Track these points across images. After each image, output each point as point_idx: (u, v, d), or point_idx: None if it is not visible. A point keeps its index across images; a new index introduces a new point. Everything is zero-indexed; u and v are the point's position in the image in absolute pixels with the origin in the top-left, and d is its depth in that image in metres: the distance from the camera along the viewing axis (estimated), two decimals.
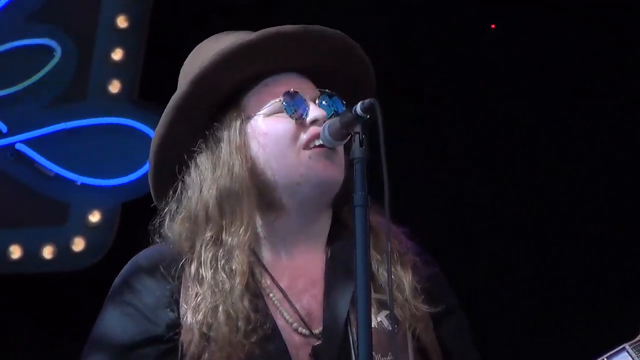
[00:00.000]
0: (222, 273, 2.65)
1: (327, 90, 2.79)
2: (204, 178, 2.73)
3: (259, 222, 2.74)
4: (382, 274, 2.71)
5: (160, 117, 2.80)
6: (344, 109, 2.75)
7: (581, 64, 5.59)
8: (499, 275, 5.60)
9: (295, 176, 2.70)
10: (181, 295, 2.67)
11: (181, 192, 2.77)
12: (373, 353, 2.41)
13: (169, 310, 2.67)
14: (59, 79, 5.66)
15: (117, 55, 5.68)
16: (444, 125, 5.79)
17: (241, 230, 2.67)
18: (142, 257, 2.78)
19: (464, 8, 5.71)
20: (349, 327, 2.65)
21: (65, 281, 5.45)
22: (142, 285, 2.71)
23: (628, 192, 5.57)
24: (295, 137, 2.71)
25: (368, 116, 2.51)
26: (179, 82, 2.87)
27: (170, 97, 2.80)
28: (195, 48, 2.90)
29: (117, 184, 5.59)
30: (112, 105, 5.67)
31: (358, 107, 2.52)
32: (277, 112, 2.74)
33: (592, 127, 5.62)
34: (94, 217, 5.60)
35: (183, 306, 2.65)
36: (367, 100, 2.51)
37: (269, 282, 2.71)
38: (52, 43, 5.66)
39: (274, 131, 2.72)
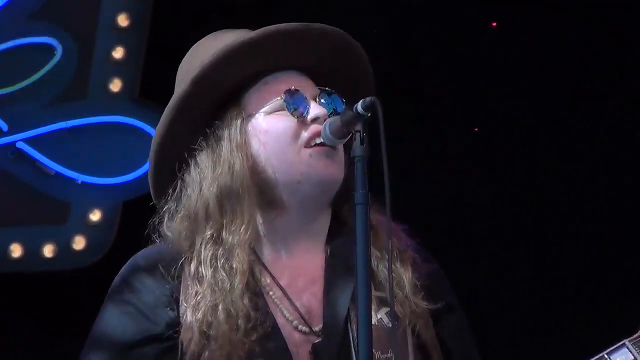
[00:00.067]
0: (222, 272, 2.65)
1: (326, 89, 2.79)
2: (204, 176, 2.73)
3: (259, 220, 2.74)
4: (381, 271, 2.72)
5: (160, 115, 2.79)
6: (344, 106, 2.76)
7: (581, 64, 5.59)
8: (498, 275, 5.61)
9: (296, 174, 2.70)
10: (181, 294, 2.68)
11: (181, 191, 2.77)
12: (373, 350, 2.41)
13: (168, 309, 2.67)
14: (60, 78, 5.65)
15: (118, 53, 5.67)
16: (444, 125, 5.79)
17: (242, 229, 2.67)
18: (140, 256, 2.78)
19: (464, 8, 5.71)
20: (349, 324, 2.66)
21: (65, 280, 5.45)
22: (142, 284, 2.71)
23: (628, 192, 5.57)
24: (296, 135, 2.71)
25: (369, 114, 2.51)
26: (177, 81, 2.87)
27: (171, 96, 2.80)
28: (194, 46, 2.91)
29: (118, 183, 5.59)
30: (112, 103, 5.66)
31: (359, 106, 2.52)
32: (278, 110, 2.74)
33: (592, 127, 5.62)
34: (95, 215, 5.60)
35: (183, 305, 2.66)
36: (368, 99, 2.50)
37: (268, 280, 2.71)
38: (52, 42, 5.65)
39: (274, 129, 2.72)
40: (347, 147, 2.64)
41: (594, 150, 5.62)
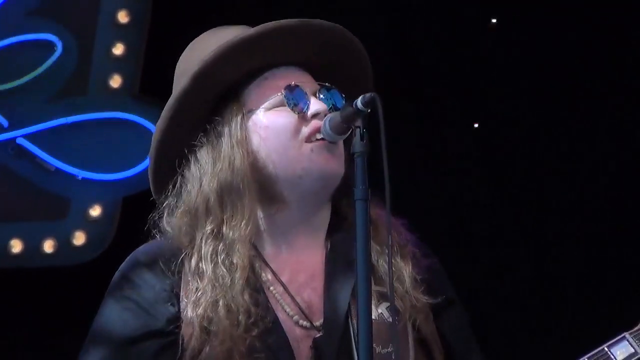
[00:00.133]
0: (222, 267, 2.65)
1: (326, 84, 2.79)
2: (204, 172, 2.73)
3: (259, 215, 2.74)
4: (382, 266, 2.72)
5: (160, 112, 2.79)
6: (343, 102, 2.75)
7: (581, 64, 5.60)
8: (498, 275, 5.62)
9: (297, 169, 2.70)
10: (181, 289, 2.67)
11: (181, 186, 2.77)
12: (373, 345, 2.41)
13: (169, 304, 2.66)
14: (60, 74, 5.67)
15: (118, 50, 5.69)
16: (444, 125, 5.80)
17: (242, 224, 2.67)
18: (140, 252, 2.78)
19: (464, 8, 5.72)
20: (349, 319, 2.65)
21: (65, 275, 5.46)
22: (142, 279, 2.71)
23: (628, 192, 5.58)
24: (297, 131, 2.71)
25: (369, 110, 2.51)
26: (175, 77, 2.87)
27: (171, 92, 2.80)
28: (192, 42, 2.91)
29: (118, 179, 5.61)
30: (112, 100, 5.68)
31: (359, 101, 2.52)
32: (278, 106, 2.74)
33: (592, 127, 5.63)
34: (95, 211, 5.61)
35: (183, 300, 2.65)
36: (367, 95, 2.51)
37: (269, 276, 2.71)
38: (52, 38, 5.66)
39: (275, 125, 2.72)
40: (347, 143, 2.64)
41: (594, 150, 5.63)
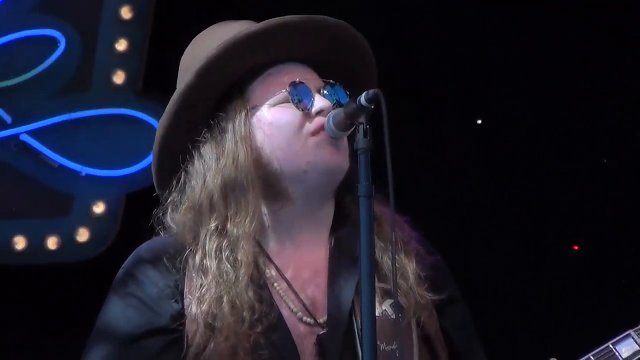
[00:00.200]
0: (226, 263, 2.65)
1: (330, 81, 2.79)
2: (208, 168, 2.73)
3: (264, 211, 2.74)
4: (385, 262, 2.72)
5: (164, 108, 2.79)
6: (347, 98, 2.76)
7: (581, 64, 5.60)
8: (498, 275, 5.61)
9: (302, 164, 2.70)
10: (185, 286, 2.67)
11: (184, 182, 2.77)
12: (377, 342, 2.42)
13: (172, 301, 2.66)
14: (63, 70, 5.66)
15: (121, 46, 5.68)
16: (444, 125, 5.80)
17: (247, 221, 2.67)
18: (144, 249, 2.78)
19: (464, 8, 5.72)
20: (353, 316, 2.66)
21: (69, 272, 5.46)
22: (145, 276, 2.71)
23: (628, 192, 5.58)
24: (301, 127, 2.71)
25: (372, 106, 2.51)
26: (179, 72, 2.88)
27: (174, 88, 2.80)
28: (196, 38, 2.91)
29: (122, 175, 5.59)
30: (116, 96, 5.67)
31: (362, 98, 2.52)
32: (282, 102, 2.74)
33: (592, 127, 5.63)
34: (98, 208, 5.60)
35: (187, 297, 2.65)
36: (371, 91, 2.51)
37: (273, 272, 2.71)
38: (56, 34, 5.66)
39: (279, 121, 2.73)
40: (351, 140, 2.64)
41: (594, 150, 5.63)
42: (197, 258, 2.68)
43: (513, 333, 5.52)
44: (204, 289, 2.63)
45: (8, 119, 5.60)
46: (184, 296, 2.66)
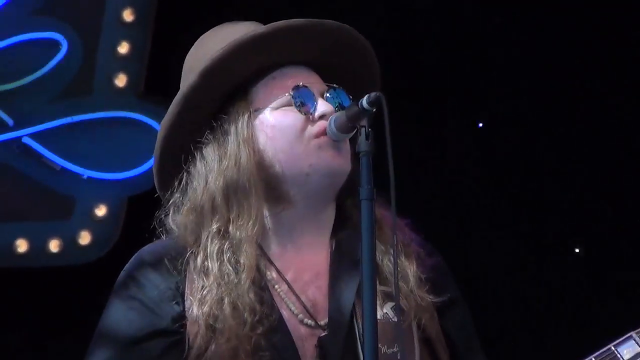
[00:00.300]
0: (228, 265, 2.65)
1: (333, 85, 2.80)
2: (210, 169, 2.73)
3: (265, 213, 2.74)
4: (386, 265, 2.72)
5: (166, 110, 2.79)
6: (349, 101, 2.76)
7: (581, 64, 5.61)
8: (498, 275, 5.62)
9: (304, 167, 2.70)
10: (187, 287, 2.67)
11: (186, 184, 2.77)
12: (379, 344, 2.42)
13: (174, 303, 2.66)
14: (65, 73, 5.68)
15: (123, 48, 5.69)
16: (444, 126, 5.80)
17: (249, 224, 2.67)
18: (146, 251, 2.78)
19: (464, 8, 5.73)
20: (354, 318, 2.66)
21: (71, 275, 5.47)
22: (147, 279, 2.71)
23: (628, 192, 5.59)
24: (303, 130, 2.71)
25: (374, 109, 2.52)
26: (183, 72, 2.88)
27: (176, 91, 2.80)
28: (200, 38, 2.91)
29: (123, 178, 5.61)
30: (118, 98, 5.68)
31: (364, 101, 2.53)
32: (285, 106, 2.75)
33: (592, 127, 5.64)
34: (100, 210, 5.61)
35: (189, 299, 2.65)
36: (373, 94, 2.52)
37: (274, 274, 2.71)
38: (58, 37, 5.67)
39: (282, 124, 2.73)
40: (353, 142, 2.64)
41: (594, 150, 5.64)
42: (199, 260, 2.68)
43: (513, 333, 5.52)
44: (205, 291, 2.63)
45: (10, 121, 5.62)
46: (185, 298, 2.66)
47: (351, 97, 2.78)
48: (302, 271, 2.73)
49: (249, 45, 2.71)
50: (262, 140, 2.74)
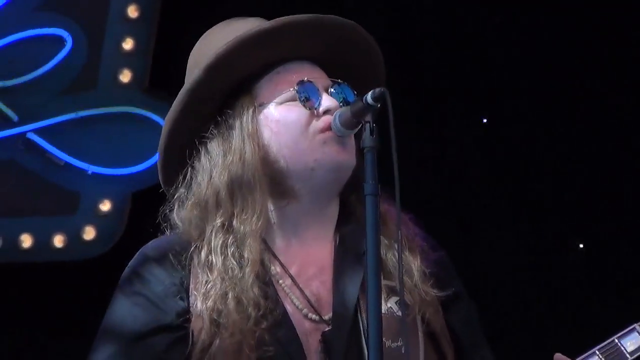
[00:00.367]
0: (232, 260, 2.65)
1: (338, 80, 2.80)
2: (215, 164, 2.74)
3: (270, 208, 2.74)
4: (390, 260, 2.73)
5: (170, 106, 2.80)
6: (354, 97, 2.77)
7: (581, 64, 5.61)
8: (499, 275, 5.62)
9: (309, 162, 2.71)
10: (191, 282, 2.68)
11: (191, 178, 2.78)
12: (383, 339, 2.42)
13: (178, 298, 2.67)
14: (70, 69, 5.68)
15: (128, 44, 5.69)
16: (445, 125, 5.81)
17: (253, 219, 2.68)
18: (150, 247, 2.78)
19: (464, 8, 5.73)
20: (358, 313, 2.66)
21: (75, 270, 5.47)
22: (151, 274, 2.71)
23: (629, 192, 5.59)
24: (308, 125, 2.72)
25: (378, 105, 2.52)
26: (188, 68, 2.88)
27: (181, 86, 2.81)
28: (205, 34, 2.91)
29: (128, 173, 5.60)
30: (122, 94, 5.68)
31: (369, 96, 2.53)
32: (290, 101, 2.75)
33: (592, 127, 5.64)
34: (105, 206, 5.61)
35: (193, 293, 2.66)
36: (377, 89, 2.52)
37: (278, 269, 2.72)
38: (62, 33, 5.67)
39: (286, 119, 2.73)
40: (357, 138, 2.64)
41: (593, 150, 5.64)
42: (203, 254, 2.69)
43: (513, 332, 5.52)
44: (209, 285, 2.64)
45: (15, 117, 5.62)
46: (190, 293, 2.67)
47: (356, 93, 2.78)
48: (306, 265, 2.74)
49: (253, 40, 2.72)
50: (267, 135, 2.74)
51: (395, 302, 2.69)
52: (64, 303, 5.35)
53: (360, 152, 2.55)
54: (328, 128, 2.70)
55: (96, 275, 4.58)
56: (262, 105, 2.76)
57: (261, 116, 2.76)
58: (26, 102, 5.63)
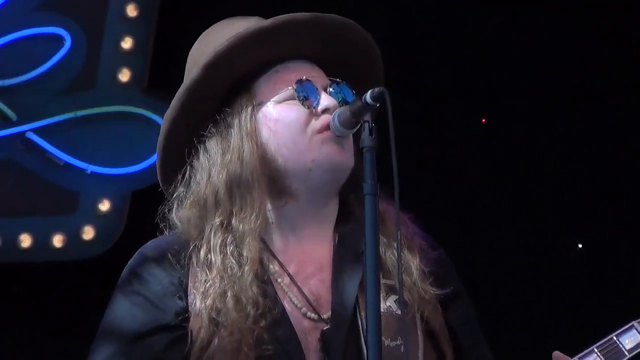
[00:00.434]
0: (231, 258, 2.65)
1: (337, 79, 2.80)
2: (213, 163, 2.74)
3: (268, 207, 2.74)
4: (389, 258, 2.73)
5: (169, 105, 2.80)
6: (353, 97, 2.77)
7: (581, 64, 5.61)
8: (499, 274, 5.62)
9: (307, 162, 2.71)
10: (190, 281, 2.68)
11: (190, 177, 2.78)
12: (382, 337, 2.42)
13: (176, 297, 2.67)
14: (69, 68, 5.68)
15: (127, 44, 5.69)
16: (445, 125, 5.81)
17: (252, 217, 2.68)
18: (149, 247, 2.78)
19: (464, 7, 5.73)
20: (357, 311, 2.66)
21: (74, 270, 5.47)
22: (150, 274, 2.71)
23: (628, 192, 5.59)
24: (307, 125, 2.72)
25: (377, 104, 2.52)
26: (187, 67, 2.88)
27: (180, 86, 2.80)
28: (204, 33, 2.91)
29: (127, 173, 5.60)
30: (121, 93, 5.68)
31: (368, 96, 2.53)
32: (289, 100, 2.75)
33: (592, 127, 5.64)
34: (104, 205, 5.61)
35: (192, 292, 2.66)
36: (376, 89, 2.52)
37: (277, 268, 2.72)
38: (61, 32, 5.68)
39: (285, 118, 2.73)
40: (356, 138, 2.64)
41: (593, 150, 5.64)
42: (202, 253, 2.69)
43: (513, 333, 5.52)
44: (208, 284, 2.64)
45: (14, 116, 5.62)
46: (189, 292, 2.67)
47: (354, 92, 2.78)
48: (304, 264, 2.74)
49: (252, 38, 2.72)
50: (265, 133, 2.74)
51: (395, 301, 2.69)
52: (63, 303, 5.35)
53: (359, 151, 2.54)
54: (327, 127, 2.70)
55: (95, 275, 4.57)
56: (261, 103, 2.76)
57: (260, 115, 2.76)
58: (25, 102, 5.63)
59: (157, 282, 2.70)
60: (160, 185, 2.88)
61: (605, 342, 2.66)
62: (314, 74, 2.78)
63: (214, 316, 2.60)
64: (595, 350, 2.66)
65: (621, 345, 2.64)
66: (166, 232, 2.80)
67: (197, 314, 2.63)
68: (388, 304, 2.68)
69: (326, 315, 2.68)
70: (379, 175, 2.49)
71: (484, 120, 5.77)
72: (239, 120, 2.75)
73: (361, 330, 2.64)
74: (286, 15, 2.75)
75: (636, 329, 2.64)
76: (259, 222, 2.68)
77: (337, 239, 2.78)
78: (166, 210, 2.80)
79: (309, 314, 2.68)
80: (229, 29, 2.80)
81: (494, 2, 5.69)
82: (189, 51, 2.93)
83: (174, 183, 2.80)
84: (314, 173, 2.71)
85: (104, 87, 5.70)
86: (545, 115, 5.68)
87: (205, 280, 2.65)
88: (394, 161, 2.45)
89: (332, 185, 2.77)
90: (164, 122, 2.81)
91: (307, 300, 2.69)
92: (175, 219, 2.77)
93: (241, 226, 2.68)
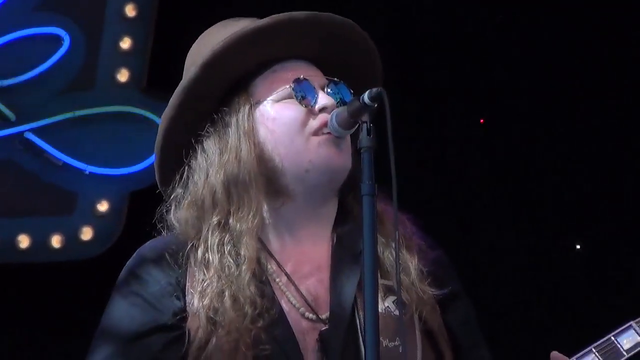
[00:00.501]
0: (228, 258, 2.65)
1: (334, 79, 2.80)
2: (211, 162, 2.74)
3: (265, 207, 2.74)
4: (387, 258, 2.72)
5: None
6: (351, 97, 2.76)
7: (581, 64, 5.61)
8: (499, 274, 5.62)
9: (304, 162, 2.70)
10: (188, 281, 2.68)
11: (187, 177, 2.78)
12: (380, 338, 2.41)
13: (174, 297, 2.67)
14: (67, 68, 5.67)
15: (126, 44, 5.69)
16: (444, 125, 5.81)
17: (249, 216, 2.67)
18: (147, 248, 2.79)
19: (464, 7, 5.73)
20: (355, 312, 2.66)
21: (73, 270, 5.46)
22: (148, 275, 2.71)
23: (628, 192, 5.59)
24: (304, 124, 2.72)
25: (375, 105, 2.52)
26: (185, 68, 2.88)
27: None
28: (203, 34, 2.91)
29: (126, 173, 5.60)
30: (120, 94, 5.67)
31: (366, 96, 2.53)
32: (286, 99, 2.75)
33: (592, 127, 5.64)
34: (102, 206, 5.61)
35: (190, 292, 2.66)
36: (374, 89, 2.52)
37: (274, 267, 2.71)
38: (60, 32, 5.67)
39: (282, 117, 2.73)
40: (354, 138, 2.64)
41: (593, 150, 5.64)
42: (199, 252, 2.69)
43: (513, 333, 5.52)
44: (205, 284, 2.64)
45: (12, 117, 5.61)
46: (186, 292, 2.67)
47: (352, 92, 2.78)
48: (301, 263, 2.73)
49: (250, 37, 2.72)
50: (263, 133, 2.74)
51: (393, 301, 2.69)
52: (61, 303, 5.35)
53: (357, 152, 2.54)
54: (324, 126, 2.70)
55: (94, 276, 4.57)
56: (259, 102, 2.76)
57: (257, 114, 2.76)
58: (24, 102, 5.63)
59: (155, 283, 2.69)
60: (159, 186, 2.87)
61: (603, 342, 2.66)
62: (311, 73, 2.78)
63: (212, 316, 2.60)
64: (593, 350, 2.66)
65: (619, 345, 2.64)
66: (164, 233, 2.79)
67: (195, 314, 2.63)
68: (386, 304, 2.68)
69: (324, 315, 2.68)
70: (379, 175, 2.48)
71: (482, 120, 5.76)
72: (237, 119, 2.74)
73: (359, 331, 2.64)
74: (283, 14, 2.75)
75: (634, 329, 2.64)
76: (256, 221, 2.68)
77: (335, 239, 2.78)
78: (164, 211, 2.80)
79: (307, 314, 2.68)
80: (227, 30, 2.79)
81: (494, 2, 5.69)
82: (187, 51, 2.93)
83: (172, 184, 2.79)
84: (311, 174, 2.71)
85: (102, 87, 5.69)
86: (545, 115, 5.68)
87: (202, 280, 2.65)
88: (392, 161, 2.44)
89: (329, 187, 2.77)
90: (162, 120, 2.81)
91: (305, 300, 2.69)
92: (173, 219, 2.77)
93: (238, 225, 2.68)
